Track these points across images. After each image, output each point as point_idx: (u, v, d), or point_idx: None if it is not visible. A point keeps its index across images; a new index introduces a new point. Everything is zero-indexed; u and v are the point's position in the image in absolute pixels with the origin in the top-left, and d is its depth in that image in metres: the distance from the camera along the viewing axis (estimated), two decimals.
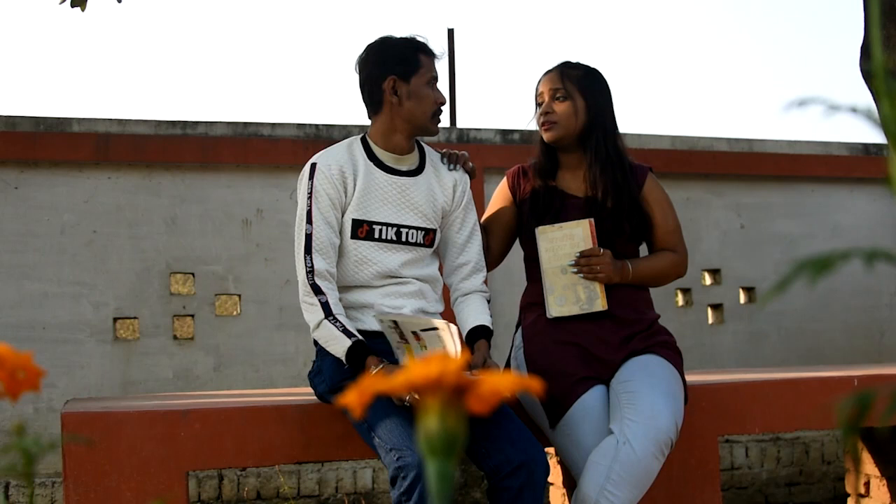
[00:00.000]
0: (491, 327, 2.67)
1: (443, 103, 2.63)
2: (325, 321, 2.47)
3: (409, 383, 0.61)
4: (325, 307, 2.48)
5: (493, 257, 2.89)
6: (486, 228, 2.89)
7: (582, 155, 2.79)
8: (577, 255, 2.68)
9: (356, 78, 2.67)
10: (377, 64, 2.60)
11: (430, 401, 0.62)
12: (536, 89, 2.82)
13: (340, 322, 2.47)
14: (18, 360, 0.81)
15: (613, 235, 2.73)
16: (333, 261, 2.55)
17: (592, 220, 2.70)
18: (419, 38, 2.63)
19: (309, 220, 2.54)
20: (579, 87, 2.75)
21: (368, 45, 2.65)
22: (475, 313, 2.67)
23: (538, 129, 2.81)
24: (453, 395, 0.62)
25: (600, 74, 2.82)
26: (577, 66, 2.80)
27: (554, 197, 2.79)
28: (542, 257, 2.72)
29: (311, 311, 2.50)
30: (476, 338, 2.64)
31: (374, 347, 2.47)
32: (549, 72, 2.80)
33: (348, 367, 2.49)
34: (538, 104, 2.80)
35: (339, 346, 2.45)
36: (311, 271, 2.50)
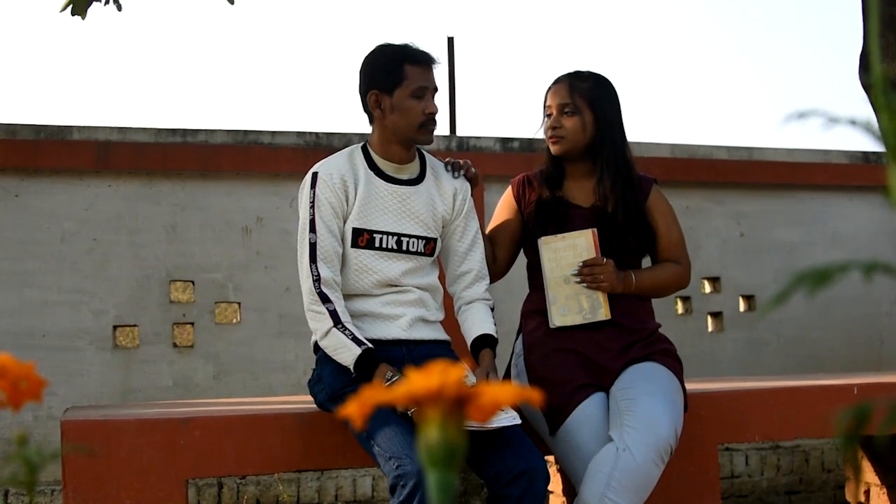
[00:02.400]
0: (496, 336, 2.67)
1: (432, 113, 2.59)
2: (334, 329, 2.47)
3: (410, 394, 0.61)
4: (334, 315, 2.48)
5: (499, 267, 2.89)
6: (491, 238, 2.89)
7: (590, 166, 2.78)
8: (580, 264, 2.68)
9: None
10: (363, 77, 2.63)
11: (431, 411, 0.62)
12: (545, 100, 2.79)
13: (349, 330, 2.47)
14: (21, 371, 0.82)
15: (619, 248, 2.74)
16: (338, 269, 2.56)
17: (595, 229, 2.70)
18: (413, 46, 2.61)
19: (312, 230, 2.54)
20: (588, 100, 2.73)
21: (364, 56, 2.66)
22: (479, 322, 2.67)
23: (545, 139, 2.80)
24: (454, 406, 0.62)
25: (610, 84, 2.80)
26: (587, 77, 2.77)
27: (559, 206, 2.79)
28: (544, 267, 2.72)
29: (319, 320, 2.50)
30: (481, 347, 2.64)
31: (381, 356, 2.47)
32: (558, 83, 2.78)
33: (349, 376, 2.49)
34: (546, 115, 2.79)
35: (348, 354, 2.45)
36: (317, 280, 2.51)
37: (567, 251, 2.71)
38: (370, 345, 2.46)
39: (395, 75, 2.56)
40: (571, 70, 2.80)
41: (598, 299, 2.68)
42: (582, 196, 2.80)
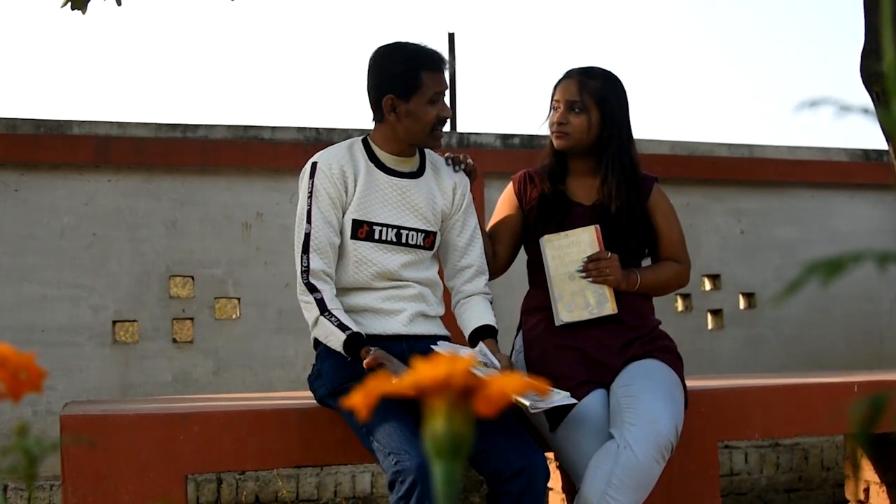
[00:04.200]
0: (496, 327, 2.66)
1: (446, 117, 2.59)
2: (321, 317, 2.48)
3: (416, 384, 0.61)
4: (321, 304, 2.48)
5: (499, 264, 2.87)
6: (492, 235, 2.88)
7: (593, 163, 2.77)
8: (585, 260, 2.67)
9: (364, 79, 2.65)
10: (378, 80, 2.58)
11: (438, 402, 0.61)
12: (553, 93, 2.77)
13: (335, 316, 2.47)
14: (21, 361, 0.81)
15: (620, 249, 2.73)
16: (331, 260, 2.55)
17: (598, 225, 2.69)
18: (428, 50, 2.58)
19: (308, 220, 2.54)
20: (597, 99, 2.71)
21: (375, 53, 2.61)
22: (479, 314, 2.67)
23: (549, 132, 2.79)
24: (461, 397, 0.62)
25: (619, 83, 2.78)
26: (597, 74, 2.75)
27: (561, 203, 2.78)
28: (548, 265, 2.71)
29: (308, 309, 2.52)
30: (481, 337, 2.63)
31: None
32: (568, 78, 2.75)
33: (349, 371, 2.49)
34: (553, 108, 2.78)
35: (335, 340, 2.47)
36: (305, 270, 2.51)
37: (571, 248, 2.70)
38: (355, 329, 2.46)
39: (411, 83, 2.53)
40: (583, 66, 2.78)
41: (604, 294, 2.68)
42: (583, 194, 2.79)
